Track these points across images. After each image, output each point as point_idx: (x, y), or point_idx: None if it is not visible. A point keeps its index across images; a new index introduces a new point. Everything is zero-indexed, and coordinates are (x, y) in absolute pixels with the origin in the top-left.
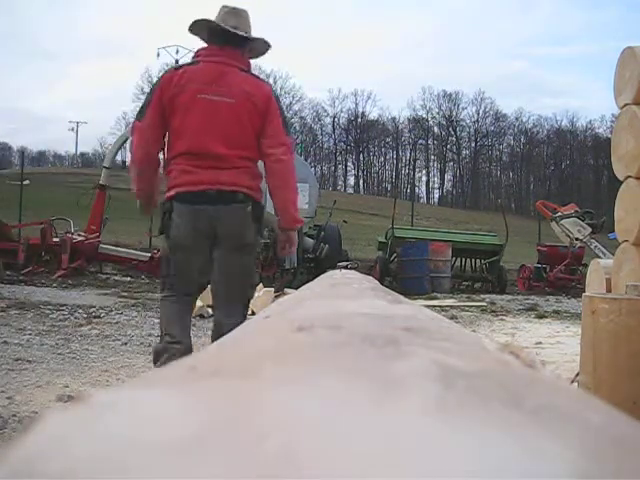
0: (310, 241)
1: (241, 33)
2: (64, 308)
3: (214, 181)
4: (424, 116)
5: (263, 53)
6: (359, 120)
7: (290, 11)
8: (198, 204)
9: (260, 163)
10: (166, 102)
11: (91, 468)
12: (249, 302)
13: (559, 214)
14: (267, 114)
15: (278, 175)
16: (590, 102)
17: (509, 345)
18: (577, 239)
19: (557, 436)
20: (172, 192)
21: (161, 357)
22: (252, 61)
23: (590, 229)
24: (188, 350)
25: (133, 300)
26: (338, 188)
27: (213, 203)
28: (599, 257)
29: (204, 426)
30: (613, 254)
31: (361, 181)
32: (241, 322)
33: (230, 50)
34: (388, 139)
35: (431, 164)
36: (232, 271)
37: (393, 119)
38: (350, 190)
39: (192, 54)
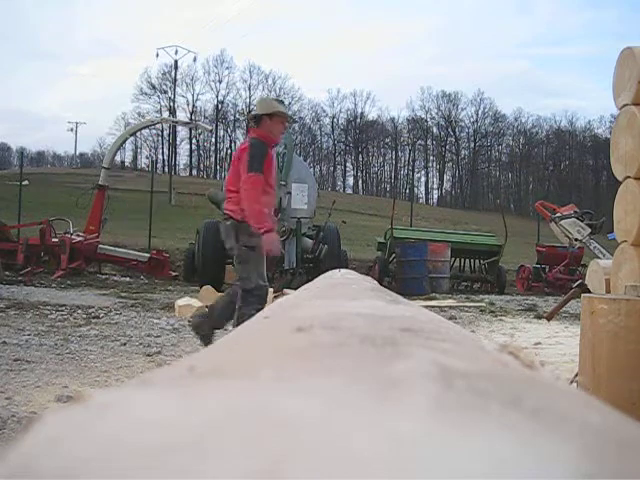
0: (309, 241)
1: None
2: (63, 308)
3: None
4: (423, 116)
5: (262, 111)
6: (358, 120)
7: (289, 11)
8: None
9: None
10: None
11: (88, 469)
12: (247, 291)
13: (558, 215)
14: (242, 160)
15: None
16: (589, 102)
17: (508, 345)
18: (576, 239)
19: (556, 436)
20: None
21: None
22: (251, 62)
23: (589, 229)
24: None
25: (132, 300)
26: (337, 188)
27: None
28: (598, 257)
29: (203, 427)
30: (612, 254)
31: (360, 181)
32: (239, 306)
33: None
34: (387, 139)
35: (430, 164)
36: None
37: (392, 119)
38: (349, 190)
39: (191, 55)
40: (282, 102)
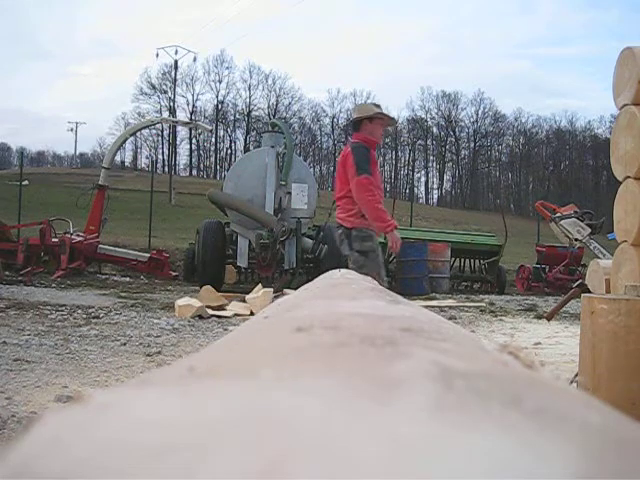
0: (309, 241)
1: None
2: (63, 308)
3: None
4: (423, 116)
5: (362, 115)
6: None
7: (290, 11)
8: None
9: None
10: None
11: (88, 469)
12: None
13: (558, 215)
14: (347, 166)
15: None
16: (589, 102)
17: (508, 345)
18: (576, 239)
19: (556, 437)
20: None
21: None
22: (251, 62)
23: (589, 230)
24: None
25: (132, 300)
26: None
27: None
28: (598, 257)
29: (202, 427)
30: (612, 254)
31: None
32: None
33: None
34: (387, 139)
35: (430, 164)
36: None
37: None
38: None
39: (191, 55)
40: (379, 106)
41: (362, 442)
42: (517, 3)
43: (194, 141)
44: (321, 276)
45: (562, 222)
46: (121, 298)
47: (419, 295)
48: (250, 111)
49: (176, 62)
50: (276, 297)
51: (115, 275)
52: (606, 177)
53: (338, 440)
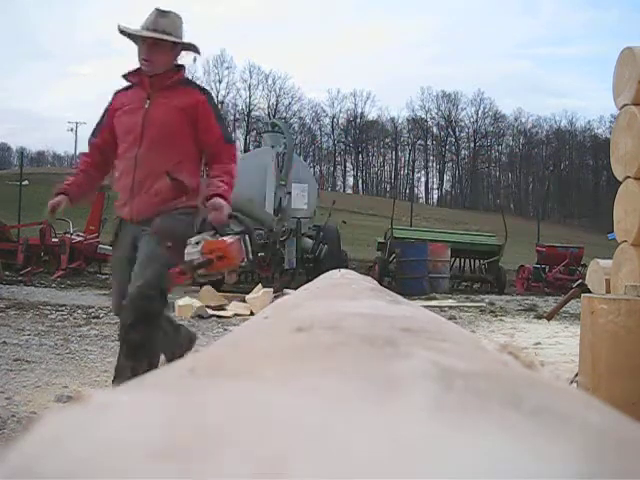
0: (309, 241)
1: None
2: (63, 308)
3: None
4: (423, 116)
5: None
6: (358, 120)
7: (290, 11)
8: None
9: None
10: None
11: (88, 469)
12: None
13: None
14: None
15: None
16: (589, 102)
17: (508, 346)
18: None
19: (556, 437)
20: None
21: None
22: (250, 62)
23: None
24: None
25: None
26: (337, 189)
27: None
28: None
29: (202, 427)
30: (612, 254)
31: (360, 181)
32: None
33: None
34: (387, 139)
35: (430, 165)
36: None
37: (392, 119)
38: (349, 190)
39: (191, 55)
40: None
41: (362, 442)
42: (517, 3)
43: None
44: (321, 276)
45: None
46: None
47: (419, 295)
48: (250, 111)
49: None
50: (276, 297)
51: None
52: (606, 177)
53: (338, 440)
